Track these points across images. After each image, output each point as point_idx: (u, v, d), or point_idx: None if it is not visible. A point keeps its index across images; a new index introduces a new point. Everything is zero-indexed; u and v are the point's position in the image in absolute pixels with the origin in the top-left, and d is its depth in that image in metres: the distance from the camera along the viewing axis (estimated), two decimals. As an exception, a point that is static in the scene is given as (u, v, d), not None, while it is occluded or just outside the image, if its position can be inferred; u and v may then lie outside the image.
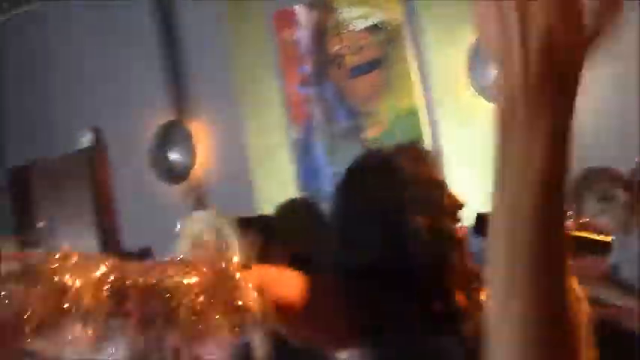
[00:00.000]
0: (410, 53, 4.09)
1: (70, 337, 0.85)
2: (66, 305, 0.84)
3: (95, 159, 5.28)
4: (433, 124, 4.04)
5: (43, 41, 5.69)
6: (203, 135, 4.87)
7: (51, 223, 5.22)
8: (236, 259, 0.99)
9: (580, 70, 0.58)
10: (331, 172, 4.20)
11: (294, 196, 3.81)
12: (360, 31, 4.26)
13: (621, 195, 2.83)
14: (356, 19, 4.27)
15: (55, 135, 5.50)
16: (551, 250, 0.58)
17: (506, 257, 0.58)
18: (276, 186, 4.43)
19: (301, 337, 1.19)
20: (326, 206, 2.15)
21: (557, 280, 0.58)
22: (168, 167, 4.94)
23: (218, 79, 4.77)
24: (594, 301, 1.45)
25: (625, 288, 2.59)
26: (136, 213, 5.16)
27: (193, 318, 0.91)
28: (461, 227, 1.39)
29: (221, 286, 0.95)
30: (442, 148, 3.93)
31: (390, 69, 4.16)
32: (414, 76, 4.07)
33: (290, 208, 2.92)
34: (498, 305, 0.59)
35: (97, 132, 5.35)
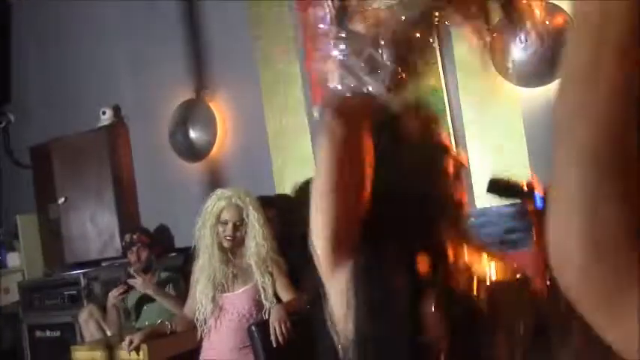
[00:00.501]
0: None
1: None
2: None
3: (115, 136, 5.30)
4: (454, 104, 4.01)
5: (64, 19, 5.70)
6: (223, 113, 4.87)
7: (71, 199, 5.26)
8: None
9: None
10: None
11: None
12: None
13: None
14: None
15: (75, 112, 5.53)
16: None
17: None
18: (295, 165, 4.43)
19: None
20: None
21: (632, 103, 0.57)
22: (189, 145, 4.95)
23: (239, 58, 4.75)
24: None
25: None
26: (155, 190, 5.18)
27: None
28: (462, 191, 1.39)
29: None
30: (463, 129, 3.91)
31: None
32: (436, 56, 4.04)
33: (309, 188, 2.91)
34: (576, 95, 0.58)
35: (118, 109, 5.37)
